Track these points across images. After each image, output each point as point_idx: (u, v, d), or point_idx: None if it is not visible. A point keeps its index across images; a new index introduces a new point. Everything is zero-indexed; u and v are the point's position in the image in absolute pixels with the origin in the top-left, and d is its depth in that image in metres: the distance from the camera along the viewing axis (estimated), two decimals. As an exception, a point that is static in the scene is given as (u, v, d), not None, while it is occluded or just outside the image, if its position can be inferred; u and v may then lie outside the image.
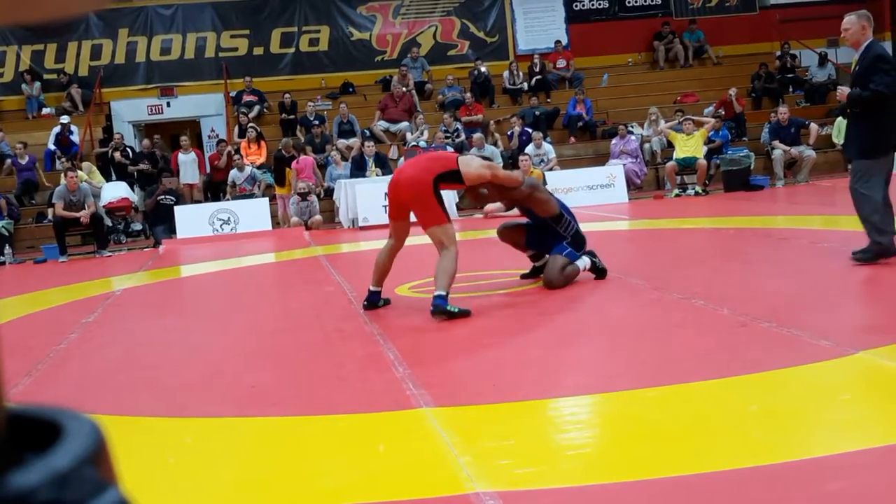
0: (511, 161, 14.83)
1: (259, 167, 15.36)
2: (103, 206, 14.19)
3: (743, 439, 3.02)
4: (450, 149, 14.08)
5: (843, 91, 6.23)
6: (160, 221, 13.74)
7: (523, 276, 6.66)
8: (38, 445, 0.41)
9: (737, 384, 3.67)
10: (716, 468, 2.76)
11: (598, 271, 6.35)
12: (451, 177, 5.67)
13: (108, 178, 15.46)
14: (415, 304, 6.18)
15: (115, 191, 14.74)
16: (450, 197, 11.67)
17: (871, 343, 4.05)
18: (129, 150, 16.26)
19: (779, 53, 18.98)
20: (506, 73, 18.52)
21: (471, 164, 5.81)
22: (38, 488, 0.36)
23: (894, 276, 5.86)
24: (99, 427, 0.42)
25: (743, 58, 19.23)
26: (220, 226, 13.82)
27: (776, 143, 14.93)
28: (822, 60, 18.79)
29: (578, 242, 6.35)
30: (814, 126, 15.29)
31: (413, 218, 5.72)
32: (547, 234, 6.33)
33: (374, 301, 5.92)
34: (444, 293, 5.44)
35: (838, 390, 3.56)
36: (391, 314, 5.85)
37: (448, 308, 5.40)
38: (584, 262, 6.31)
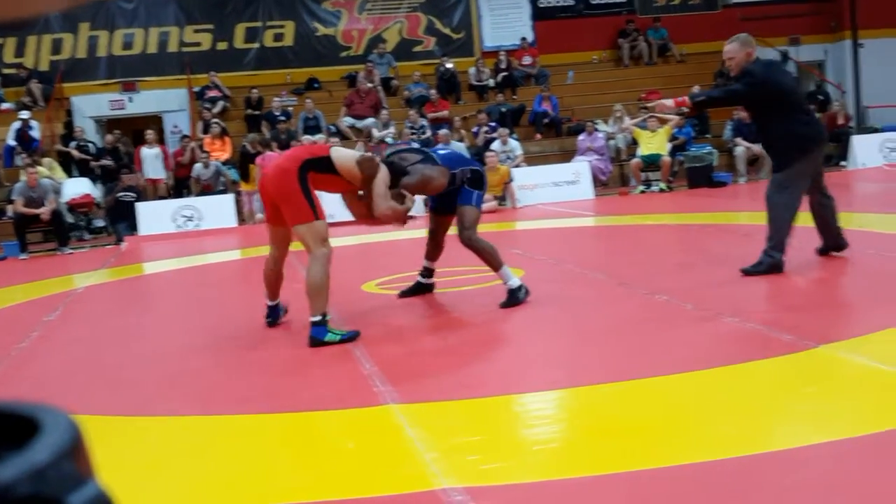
0: (478, 157, 14.85)
1: (224, 163, 15.24)
2: (65, 203, 13.99)
3: (707, 432, 3.06)
4: (415, 145, 14.06)
5: (663, 104, 6.19)
6: (121, 218, 13.58)
7: (402, 295, 6.22)
8: (15, 441, 0.40)
9: (701, 378, 3.71)
10: (681, 461, 2.79)
11: (512, 298, 5.60)
12: (323, 165, 4.96)
13: (69, 174, 15.25)
14: (381, 301, 6.17)
15: (77, 187, 14.55)
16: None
17: (830, 337, 4.12)
18: (90, 145, 16.05)
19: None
20: (472, 70, 18.54)
21: (344, 153, 5.12)
22: (17, 482, 0.36)
23: (853, 271, 5.96)
24: (75, 422, 0.42)
25: (706, 55, 19.37)
26: (184, 222, 13.69)
27: (739, 140, 15.09)
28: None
29: (477, 178, 5.81)
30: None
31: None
32: (449, 194, 5.80)
33: (275, 315, 5.53)
34: (318, 318, 4.83)
35: (799, 384, 3.61)
36: (357, 311, 5.83)
37: (326, 339, 4.79)
38: (514, 281, 5.66)
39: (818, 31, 20.36)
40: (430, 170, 5.48)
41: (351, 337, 4.86)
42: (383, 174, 5.11)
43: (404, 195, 5.27)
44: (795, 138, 5.79)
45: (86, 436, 0.42)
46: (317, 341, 4.81)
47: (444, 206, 6.00)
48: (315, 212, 4.87)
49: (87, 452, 0.42)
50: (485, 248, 5.70)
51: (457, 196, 5.84)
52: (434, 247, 6.17)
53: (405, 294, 6.20)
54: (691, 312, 4.96)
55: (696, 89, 6.09)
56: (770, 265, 5.84)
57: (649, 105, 6.29)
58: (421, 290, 6.22)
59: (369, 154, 5.19)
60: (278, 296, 5.51)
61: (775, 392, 3.56)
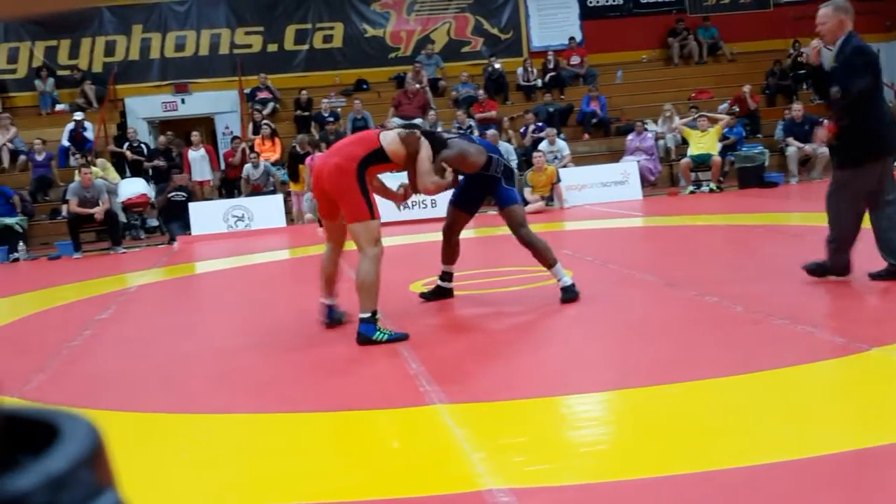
0: (525, 158, 14.81)
1: (274, 164, 15.38)
2: (121, 203, 14.23)
3: (758, 435, 3.00)
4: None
5: (821, 135, 5.56)
6: (174, 218, 13.79)
7: (424, 297, 6.13)
8: (34, 447, 0.40)
9: (751, 381, 3.64)
10: (730, 465, 2.75)
11: (569, 292, 5.66)
12: (378, 157, 5.00)
13: (122, 175, 15.51)
14: (428, 301, 6.16)
15: (133, 187, 14.78)
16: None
17: (883, 340, 4.03)
18: (143, 146, 16.30)
19: (791, 52, 18.88)
20: (520, 70, 18.48)
21: (391, 135, 5.14)
22: (33, 492, 0.35)
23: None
24: (96, 428, 0.41)
25: (757, 54, 19.11)
26: (235, 222, 13.85)
27: (790, 139, 14.83)
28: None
29: (508, 174, 5.81)
30: (828, 123, 15.18)
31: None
32: (476, 186, 5.84)
33: (332, 316, 5.39)
34: (367, 315, 4.85)
35: (852, 386, 3.54)
36: (404, 311, 5.84)
37: (375, 337, 4.81)
38: (565, 280, 5.69)
39: (872, 31, 19.91)
40: (469, 145, 5.53)
41: (399, 338, 4.87)
42: (426, 150, 5.15)
43: (444, 168, 5.30)
44: (874, 137, 5.23)
45: (106, 442, 0.41)
46: (365, 338, 4.83)
47: (466, 201, 5.98)
48: (372, 211, 4.91)
49: (107, 460, 0.41)
50: (540, 245, 5.72)
51: (479, 192, 5.87)
52: (449, 248, 6.08)
53: (426, 297, 6.14)
54: (741, 314, 4.88)
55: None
56: (829, 268, 5.51)
57: (819, 141, 5.77)
58: (441, 294, 6.14)
59: (410, 130, 5.21)
60: (334, 294, 5.40)
61: (828, 395, 3.49)
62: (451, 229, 6.07)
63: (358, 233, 4.93)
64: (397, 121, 16.27)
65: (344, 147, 5.12)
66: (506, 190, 5.75)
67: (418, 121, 16.32)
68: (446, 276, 6.15)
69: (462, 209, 6.03)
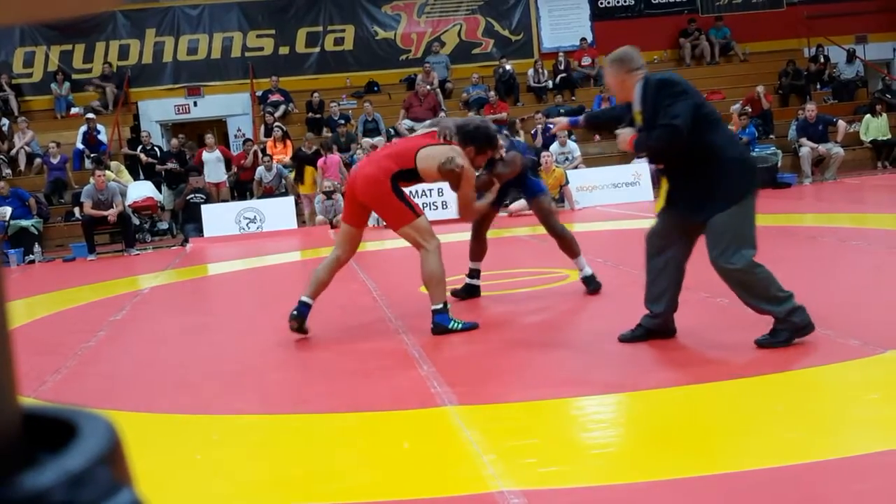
0: (535, 158, 14.80)
1: (285, 166, 15.41)
2: (129, 206, 14.30)
3: (770, 438, 3.00)
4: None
5: (624, 136, 4.55)
6: (191, 220, 13.85)
7: (455, 293, 6.06)
8: (52, 445, 0.41)
9: (764, 383, 3.63)
10: (742, 468, 2.74)
11: (593, 283, 5.89)
12: (411, 175, 5.04)
13: (136, 177, 15.58)
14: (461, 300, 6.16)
15: (140, 190, 14.84)
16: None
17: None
18: (156, 149, 16.36)
19: (813, 52, 18.81)
20: (530, 71, 18.47)
21: (429, 159, 5.02)
22: (52, 489, 0.36)
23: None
24: (114, 427, 0.42)
25: (770, 54, 19.05)
26: (247, 224, 13.89)
27: (804, 140, 14.79)
28: (851, 57, 18.61)
29: (532, 165, 6.04)
30: (842, 123, 15.14)
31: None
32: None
33: (303, 314, 5.12)
34: (440, 306, 5.00)
35: (866, 389, 3.52)
36: (415, 312, 5.84)
37: (451, 326, 4.98)
38: (586, 270, 5.92)
39: (887, 29, 19.84)
40: (516, 155, 5.67)
41: (471, 327, 5.04)
42: (468, 184, 5.11)
43: (493, 182, 5.34)
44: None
45: (124, 441, 0.42)
46: (441, 328, 4.97)
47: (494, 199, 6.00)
48: (413, 210, 5.01)
49: (125, 458, 0.42)
50: (568, 236, 5.97)
51: (504, 186, 5.90)
52: (478, 245, 6.14)
53: (458, 295, 6.14)
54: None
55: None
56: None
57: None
58: (471, 292, 6.19)
59: (451, 158, 5.01)
60: (316, 298, 5.20)
61: (841, 398, 3.47)
62: (481, 226, 6.15)
63: (410, 234, 5.04)
64: (408, 123, 16.29)
65: (380, 159, 5.13)
66: (532, 181, 5.96)
67: (443, 114, 16.32)
68: (474, 273, 6.21)
69: (490, 206, 6.03)
